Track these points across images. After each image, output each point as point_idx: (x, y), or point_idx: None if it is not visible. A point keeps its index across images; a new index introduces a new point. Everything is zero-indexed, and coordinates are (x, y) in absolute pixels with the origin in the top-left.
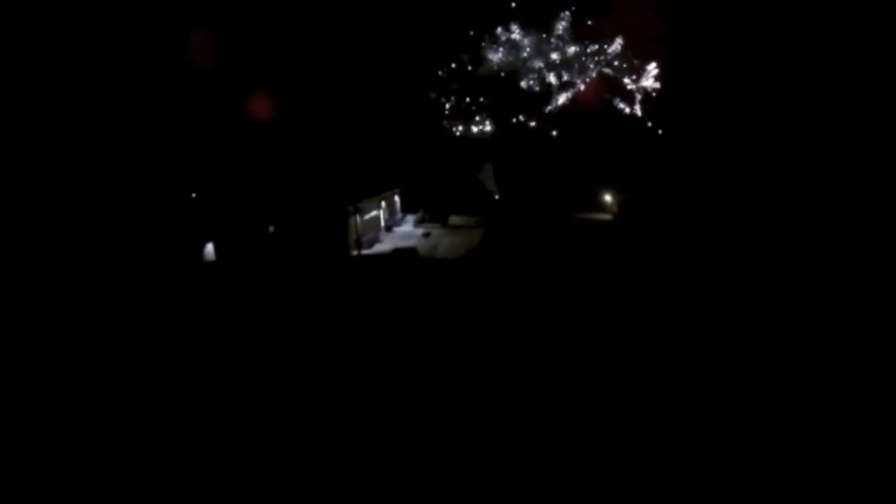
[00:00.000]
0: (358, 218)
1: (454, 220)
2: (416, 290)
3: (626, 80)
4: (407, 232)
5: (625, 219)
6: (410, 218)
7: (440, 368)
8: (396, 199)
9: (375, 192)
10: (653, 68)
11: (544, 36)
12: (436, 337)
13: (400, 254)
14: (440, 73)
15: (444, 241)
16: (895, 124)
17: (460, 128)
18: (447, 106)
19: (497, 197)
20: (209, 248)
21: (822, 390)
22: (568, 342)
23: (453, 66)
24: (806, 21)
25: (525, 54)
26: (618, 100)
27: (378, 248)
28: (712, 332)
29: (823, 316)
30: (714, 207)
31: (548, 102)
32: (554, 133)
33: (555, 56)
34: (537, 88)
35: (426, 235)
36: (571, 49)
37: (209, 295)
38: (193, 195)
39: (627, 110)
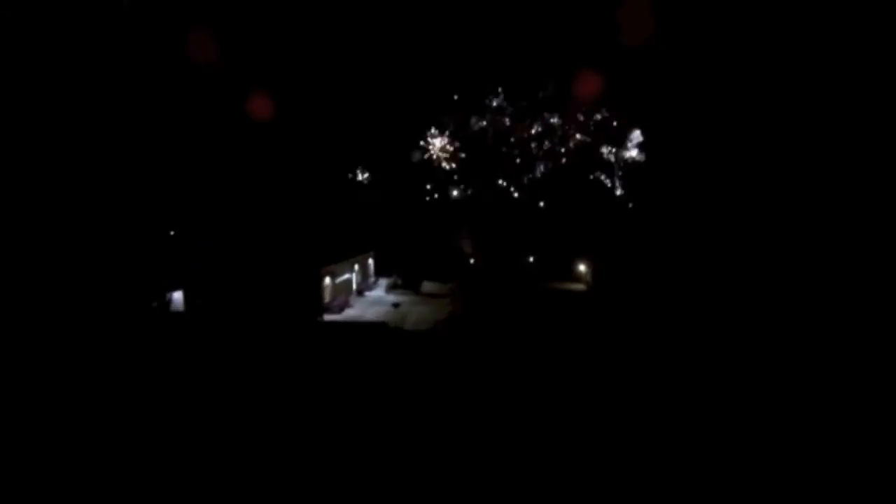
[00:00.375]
0: (329, 280)
1: (426, 287)
2: (383, 368)
3: (606, 150)
4: (378, 298)
5: (598, 289)
6: (383, 282)
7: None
8: (370, 262)
9: (349, 254)
10: (636, 136)
11: (527, 104)
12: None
13: (369, 328)
14: (423, 136)
15: (414, 310)
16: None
17: (436, 193)
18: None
19: (472, 262)
20: (177, 296)
21: (821, 394)
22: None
23: (434, 129)
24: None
25: (508, 122)
26: (598, 172)
27: (349, 312)
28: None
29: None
30: (690, 277)
31: (529, 170)
32: (533, 200)
33: (538, 125)
34: (518, 157)
35: (396, 306)
36: (555, 118)
37: (171, 346)
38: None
39: (608, 182)
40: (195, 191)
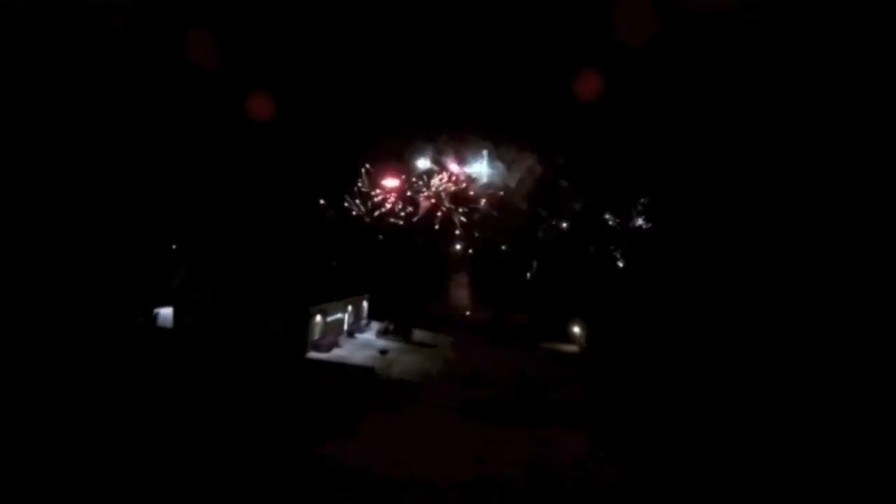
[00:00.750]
0: (320, 319)
1: (418, 335)
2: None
3: (610, 219)
4: (367, 341)
5: (591, 352)
6: (375, 326)
7: None
8: (364, 304)
9: (343, 295)
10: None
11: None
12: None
13: (355, 371)
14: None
15: (403, 359)
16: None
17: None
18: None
19: (468, 314)
20: (166, 312)
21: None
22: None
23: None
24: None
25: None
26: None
27: (336, 352)
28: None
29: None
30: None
31: (529, 232)
32: (531, 260)
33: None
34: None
35: (383, 353)
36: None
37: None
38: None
39: (616, 252)
40: (192, 206)
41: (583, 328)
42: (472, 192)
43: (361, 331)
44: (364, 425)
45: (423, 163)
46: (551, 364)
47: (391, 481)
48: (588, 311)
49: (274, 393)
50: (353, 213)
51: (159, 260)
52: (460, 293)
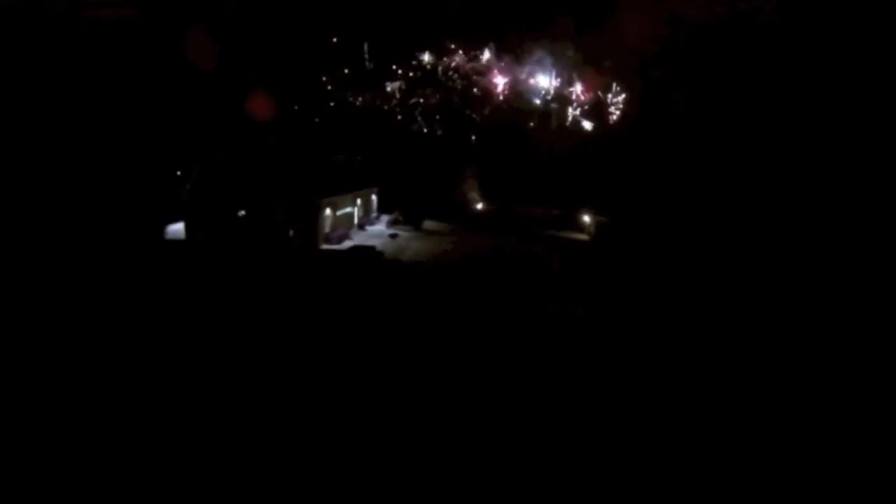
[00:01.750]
0: (329, 212)
1: (428, 224)
2: (374, 291)
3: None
4: (378, 231)
5: (601, 240)
6: (385, 218)
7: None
8: (373, 197)
9: (351, 188)
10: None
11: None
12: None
13: (362, 251)
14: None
15: (413, 245)
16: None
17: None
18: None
19: (479, 205)
20: (178, 227)
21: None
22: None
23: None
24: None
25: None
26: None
27: (347, 244)
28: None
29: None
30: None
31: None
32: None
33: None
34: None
35: (393, 237)
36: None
37: (175, 276)
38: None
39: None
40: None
41: (593, 217)
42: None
43: (372, 223)
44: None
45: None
46: (557, 248)
47: None
48: (599, 198)
49: (285, 285)
50: (357, 102)
51: (165, 178)
52: (469, 186)
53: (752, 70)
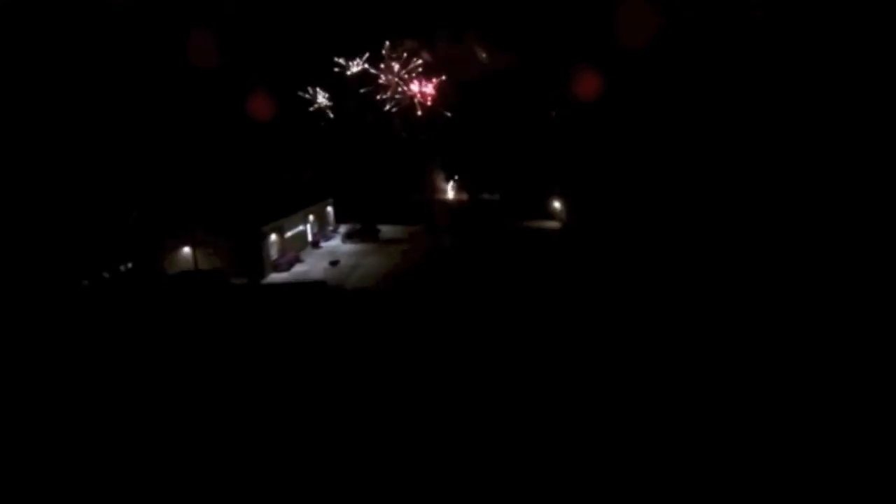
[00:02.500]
0: (276, 237)
1: (387, 231)
2: (311, 336)
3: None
4: (332, 248)
5: (573, 226)
6: (343, 229)
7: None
8: (329, 209)
9: (302, 205)
10: None
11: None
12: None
13: (301, 289)
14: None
15: (365, 262)
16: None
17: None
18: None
19: (450, 195)
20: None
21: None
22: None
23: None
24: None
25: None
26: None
27: (298, 269)
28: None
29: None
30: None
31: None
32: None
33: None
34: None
35: (333, 264)
36: None
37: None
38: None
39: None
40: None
41: (562, 202)
42: None
43: (328, 238)
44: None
45: None
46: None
47: None
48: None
49: (230, 330)
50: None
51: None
52: (437, 179)
53: (735, 60)
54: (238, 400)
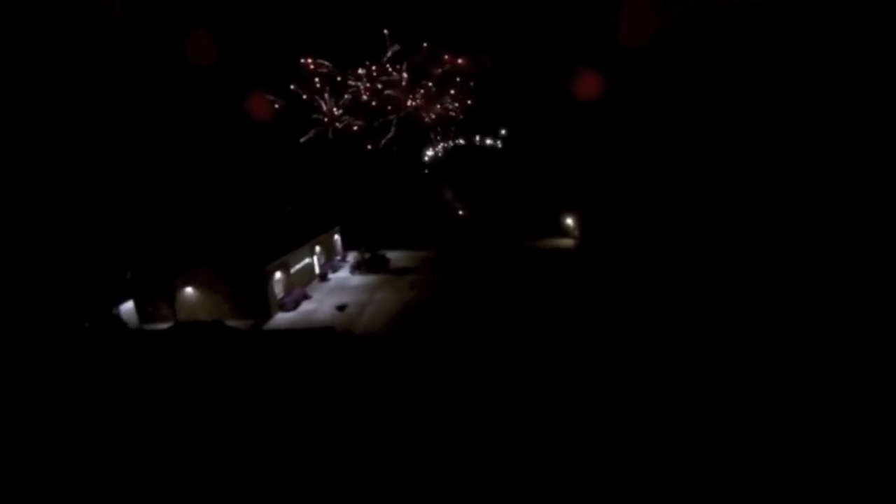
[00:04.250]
0: (281, 275)
1: (396, 258)
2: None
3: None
4: (342, 281)
5: (588, 243)
6: (351, 257)
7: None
8: (336, 237)
9: (307, 236)
10: None
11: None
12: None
13: (306, 336)
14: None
15: (375, 297)
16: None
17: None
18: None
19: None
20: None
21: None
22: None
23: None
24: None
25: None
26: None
27: (304, 306)
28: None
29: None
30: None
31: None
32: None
33: None
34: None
35: (341, 309)
36: None
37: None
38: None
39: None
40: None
41: (577, 219)
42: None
43: (336, 269)
44: None
45: None
46: (537, 263)
47: None
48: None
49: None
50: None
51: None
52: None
53: (739, 62)
54: (234, 468)
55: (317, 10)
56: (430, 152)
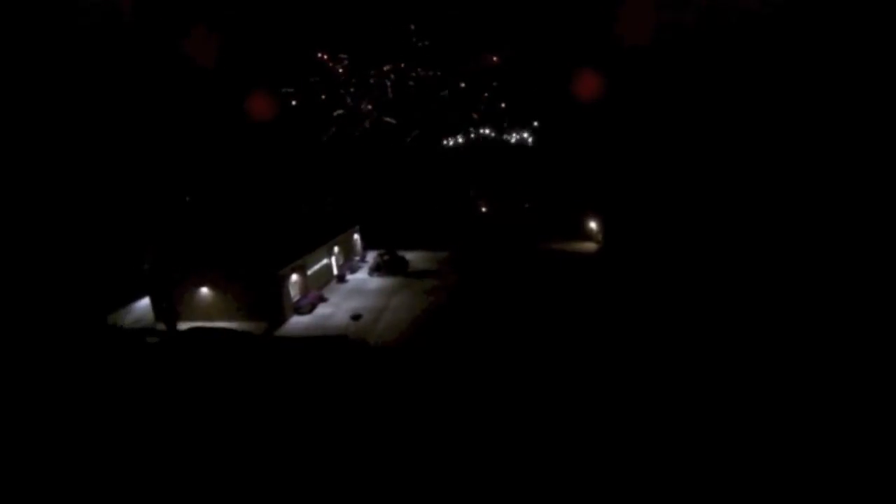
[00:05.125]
0: (297, 277)
1: (416, 260)
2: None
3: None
4: (359, 284)
5: (611, 247)
6: (371, 257)
7: None
8: (356, 237)
9: (325, 237)
10: None
11: None
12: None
13: (318, 344)
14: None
15: (392, 303)
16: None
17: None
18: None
19: (483, 209)
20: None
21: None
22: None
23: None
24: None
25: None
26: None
27: (320, 310)
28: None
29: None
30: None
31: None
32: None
33: None
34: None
35: (355, 318)
36: None
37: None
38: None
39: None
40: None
41: (599, 221)
42: None
43: (355, 269)
44: None
45: None
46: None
47: None
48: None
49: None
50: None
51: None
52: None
53: (748, 64)
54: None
55: (340, 5)
56: (451, 144)
